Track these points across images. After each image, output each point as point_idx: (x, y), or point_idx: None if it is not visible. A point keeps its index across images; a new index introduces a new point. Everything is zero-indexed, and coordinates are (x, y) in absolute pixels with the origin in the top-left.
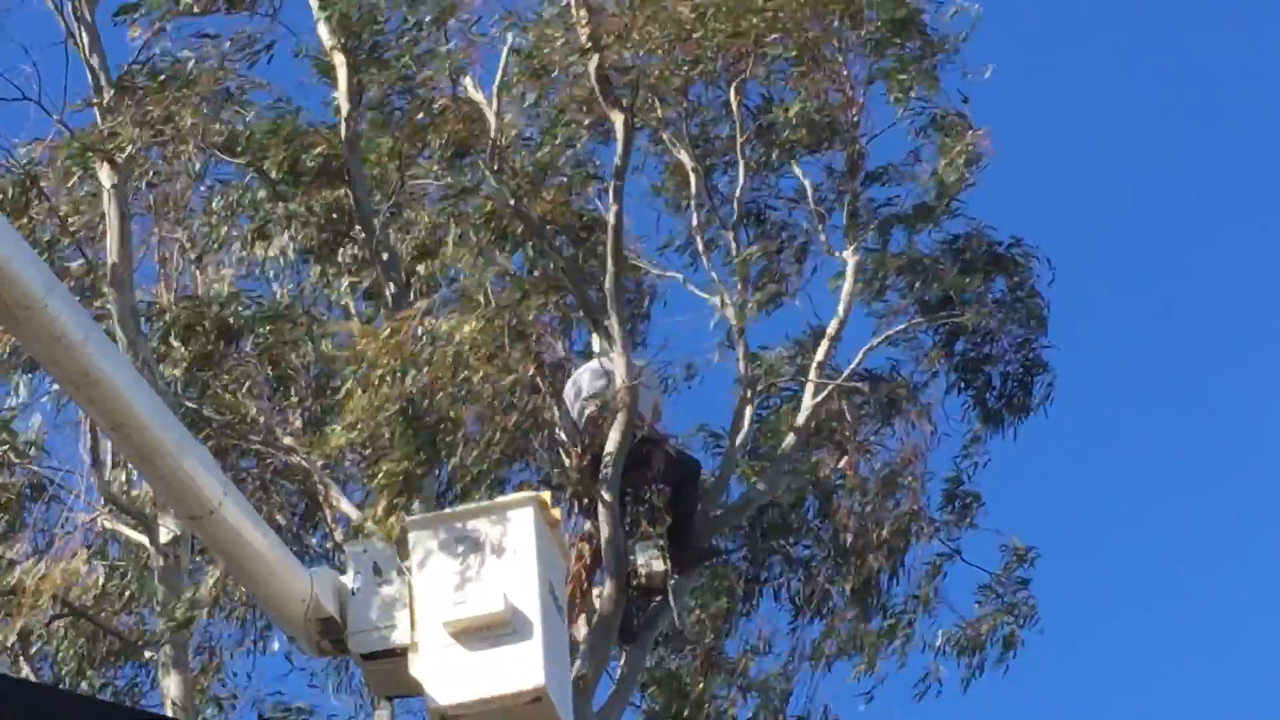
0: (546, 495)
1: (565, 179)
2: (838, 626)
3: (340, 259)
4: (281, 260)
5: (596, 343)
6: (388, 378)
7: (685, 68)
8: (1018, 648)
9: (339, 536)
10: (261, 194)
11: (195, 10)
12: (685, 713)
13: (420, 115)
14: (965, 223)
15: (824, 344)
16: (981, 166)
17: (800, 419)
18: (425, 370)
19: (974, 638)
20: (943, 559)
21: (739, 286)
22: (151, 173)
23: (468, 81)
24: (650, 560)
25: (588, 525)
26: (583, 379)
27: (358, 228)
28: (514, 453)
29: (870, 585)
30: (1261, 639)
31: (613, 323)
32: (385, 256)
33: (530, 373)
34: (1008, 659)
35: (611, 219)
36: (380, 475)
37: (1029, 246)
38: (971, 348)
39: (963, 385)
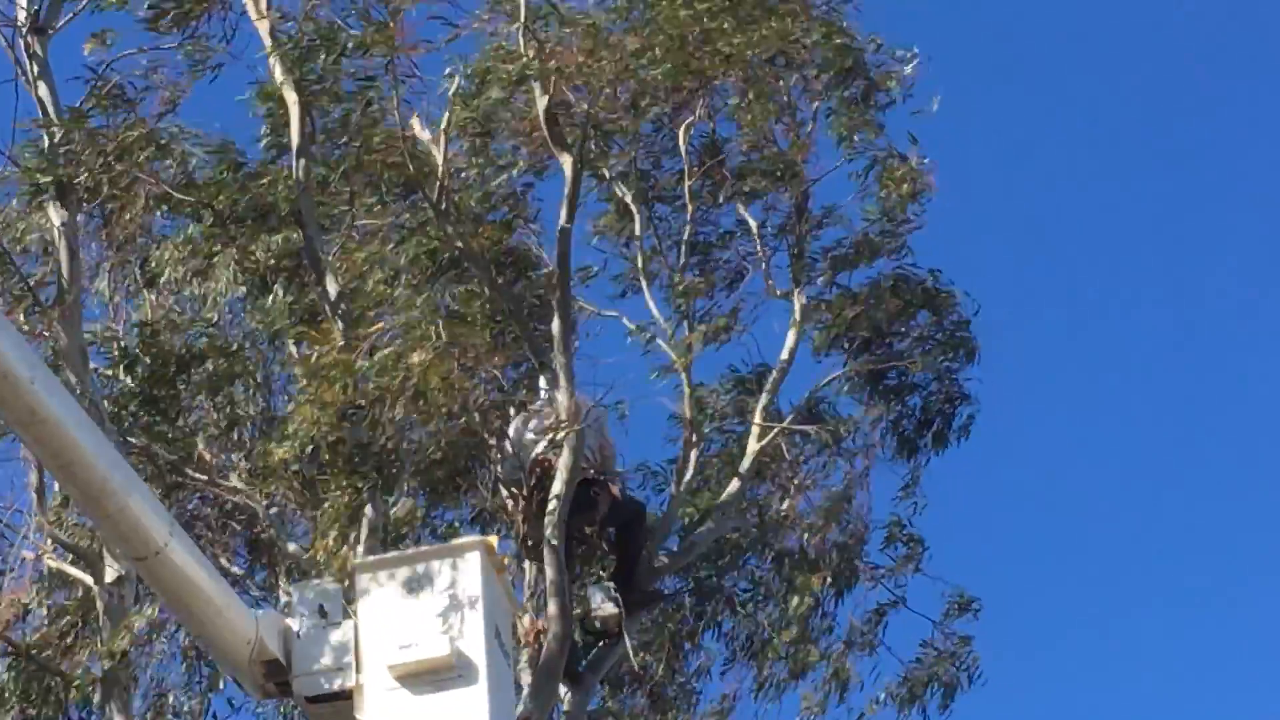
0: (493, 539)
1: (505, 214)
2: (780, 650)
3: (286, 297)
4: (226, 293)
5: (543, 382)
6: (335, 385)
7: (631, 107)
8: (957, 694)
9: (284, 582)
10: (202, 229)
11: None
12: None
13: (365, 143)
14: (904, 259)
15: (768, 388)
16: (926, 201)
17: (744, 465)
18: (372, 384)
19: (913, 687)
20: (886, 606)
21: (685, 324)
22: (101, 203)
23: (415, 121)
24: (604, 604)
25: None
26: (527, 422)
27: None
28: (457, 477)
29: (814, 608)
30: (1204, 674)
31: (560, 364)
32: (334, 295)
33: (479, 401)
34: (949, 706)
35: (559, 261)
36: (327, 506)
37: (950, 283)
38: (895, 377)
39: (885, 415)
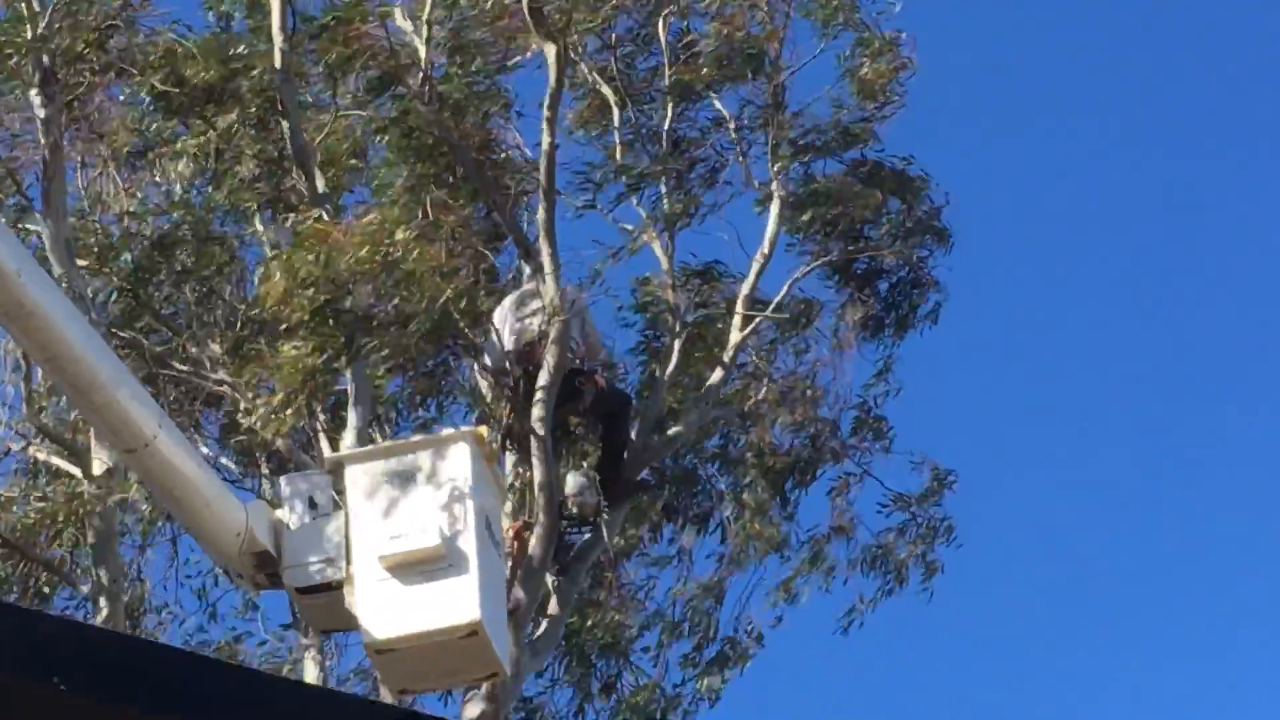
0: (483, 430)
1: (487, 109)
2: (750, 526)
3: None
4: (192, 177)
5: (526, 269)
6: (310, 259)
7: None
8: (938, 574)
9: (266, 470)
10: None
11: None
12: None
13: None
14: (877, 149)
15: (750, 278)
16: (906, 80)
17: (727, 355)
18: (350, 258)
19: (888, 553)
20: (852, 477)
21: (663, 197)
22: (81, 91)
23: (397, 10)
24: (582, 490)
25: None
26: (513, 308)
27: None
28: (436, 347)
29: (783, 487)
30: (1173, 564)
31: (545, 254)
32: (320, 189)
33: (466, 275)
34: (929, 585)
35: (545, 149)
36: (285, 364)
37: (923, 171)
38: (865, 262)
39: (858, 299)
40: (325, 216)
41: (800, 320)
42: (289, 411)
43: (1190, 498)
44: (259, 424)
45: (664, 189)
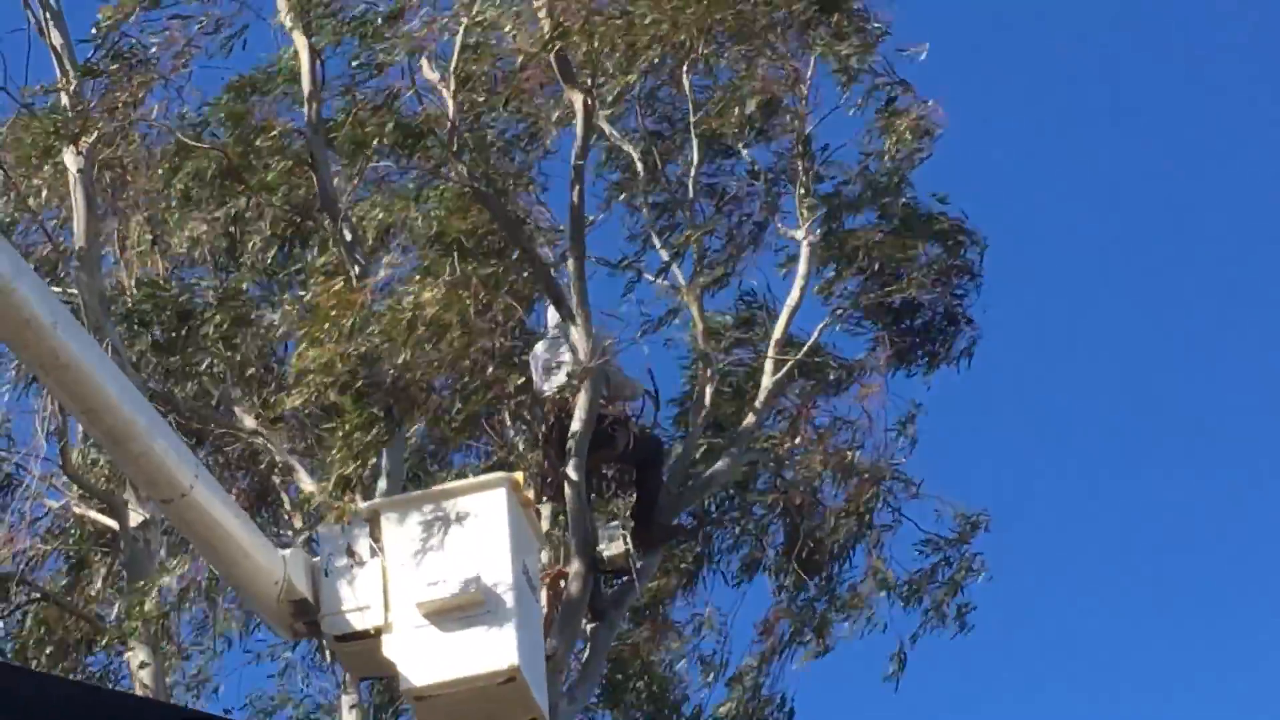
0: (519, 476)
1: (520, 168)
2: (783, 599)
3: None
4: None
5: (552, 316)
6: (339, 330)
7: (634, 56)
8: (969, 614)
9: (298, 523)
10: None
11: None
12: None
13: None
14: (908, 196)
15: (781, 323)
16: (935, 138)
17: (760, 399)
18: (379, 327)
19: (920, 585)
20: (885, 528)
21: (694, 258)
22: (113, 154)
23: (425, 63)
24: (611, 543)
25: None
26: (544, 354)
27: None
28: (475, 423)
29: (818, 556)
30: (1196, 600)
31: (575, 302)
32: (348, 237)
33: (495, 343)
34: (964, 626)
35: (574, 200)
36: (335, 449)
37: (961, 214)
38: (903, 305)
39: (891, 340)
40: (354, 270)
41: (834, 371)
42: (347, 498)
43: (1227, 532)
44: (320, 508)
45: (695, 251)
